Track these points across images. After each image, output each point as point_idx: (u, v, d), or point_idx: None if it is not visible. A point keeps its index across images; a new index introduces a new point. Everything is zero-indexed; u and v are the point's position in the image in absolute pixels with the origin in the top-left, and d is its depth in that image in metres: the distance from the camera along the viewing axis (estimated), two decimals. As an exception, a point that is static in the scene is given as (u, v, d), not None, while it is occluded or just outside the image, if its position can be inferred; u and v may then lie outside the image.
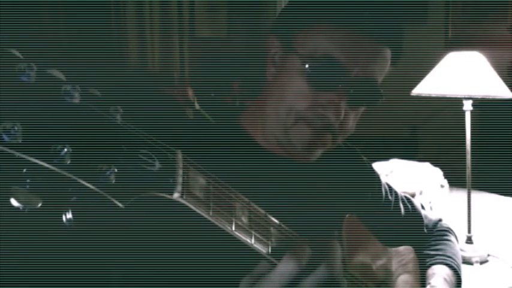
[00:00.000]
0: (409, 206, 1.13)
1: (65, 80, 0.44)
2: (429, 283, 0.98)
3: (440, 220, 1.18)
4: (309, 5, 0.85)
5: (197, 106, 2.57)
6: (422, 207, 1.19)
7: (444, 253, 1.06)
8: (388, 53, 0.84)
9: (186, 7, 3.82)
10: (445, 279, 0.99)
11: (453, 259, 1.05)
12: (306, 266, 0.58)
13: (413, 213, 1.13)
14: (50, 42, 2.89)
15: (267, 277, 0.57)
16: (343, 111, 0.81)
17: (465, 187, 1.75)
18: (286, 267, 0.57)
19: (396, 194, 1.13)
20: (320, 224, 0.78)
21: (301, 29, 0.84)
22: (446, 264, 1.03)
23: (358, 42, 0.80)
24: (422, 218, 1.14)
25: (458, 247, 1.13)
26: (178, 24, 3.75)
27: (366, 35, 0.80)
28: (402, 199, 1.13)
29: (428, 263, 1.04)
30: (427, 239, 1.12)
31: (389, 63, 0.86)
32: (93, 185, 0.44)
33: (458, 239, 1.18)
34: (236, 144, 0.86)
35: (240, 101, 3.30)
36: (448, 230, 1.15)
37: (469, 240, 1.70)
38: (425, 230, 1.13)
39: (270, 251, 0.58)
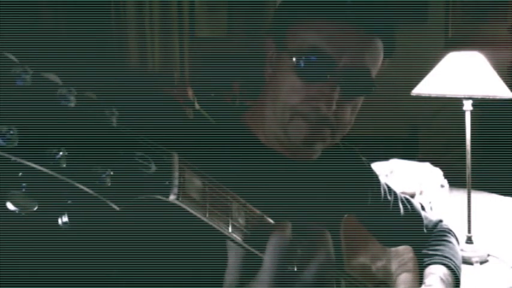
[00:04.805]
0: (409, 206, 1.13)
1: (61, 82, 0.44)
2: (425, 282, 0.98)
3: (440, 221, 1.18)
4: (296, 2, 0.86)
5: (197, 106, 2.57)
6: (422, 207, 1.18)
7: (442, 253, 1.06)
8: (379, 43, 0.84)
9: (186, 7, 3.82)
10: (441, 279, 0.99)
11: (451, 260, 1.05)
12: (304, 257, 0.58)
13: (413, 214, 1.13)
14: (50, 43, 2.89)
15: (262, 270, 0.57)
16: (334, 102, 0.81)
17: (465, 187, 1.75)
18: (277, 243, 0.57)
19: (395, 194, 1.13)
20: (318, 223, 0.78)
21: (291, 27, 0.85)
22: (444, 265, 1.03)
23: (343, 32, 0.81)
24: (421, 219, 1.14)
25: (459, 248, 1.13)
26: (178, 24, 3.76)
27: (351, 25, 0.81)
28: (401, 199, 1.13)
29: (426, 263, 1.04)
30: (426, 240, 1.12)
31: (382, 54, 0.86)
32: (88, 187, 0.44)
33: (458, 239, 1.18)
34: (241, 144, 0.86)
35: (240, 100, 3.30)
36: (448, 231, 1.15)
37: (469, 240, 1.70)
38: (425, 230, 1.13)
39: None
